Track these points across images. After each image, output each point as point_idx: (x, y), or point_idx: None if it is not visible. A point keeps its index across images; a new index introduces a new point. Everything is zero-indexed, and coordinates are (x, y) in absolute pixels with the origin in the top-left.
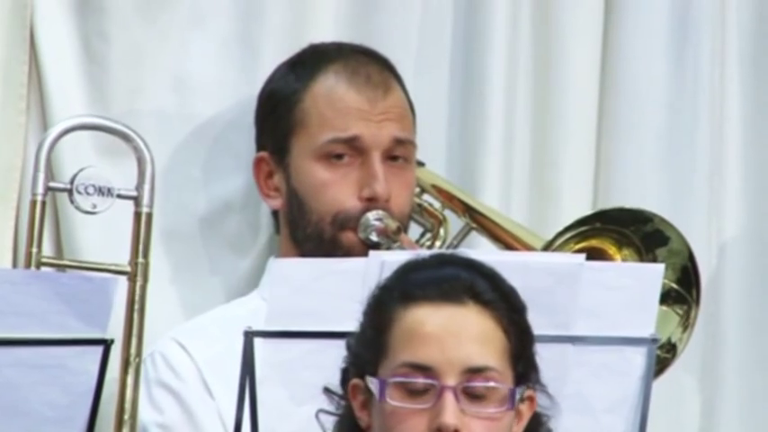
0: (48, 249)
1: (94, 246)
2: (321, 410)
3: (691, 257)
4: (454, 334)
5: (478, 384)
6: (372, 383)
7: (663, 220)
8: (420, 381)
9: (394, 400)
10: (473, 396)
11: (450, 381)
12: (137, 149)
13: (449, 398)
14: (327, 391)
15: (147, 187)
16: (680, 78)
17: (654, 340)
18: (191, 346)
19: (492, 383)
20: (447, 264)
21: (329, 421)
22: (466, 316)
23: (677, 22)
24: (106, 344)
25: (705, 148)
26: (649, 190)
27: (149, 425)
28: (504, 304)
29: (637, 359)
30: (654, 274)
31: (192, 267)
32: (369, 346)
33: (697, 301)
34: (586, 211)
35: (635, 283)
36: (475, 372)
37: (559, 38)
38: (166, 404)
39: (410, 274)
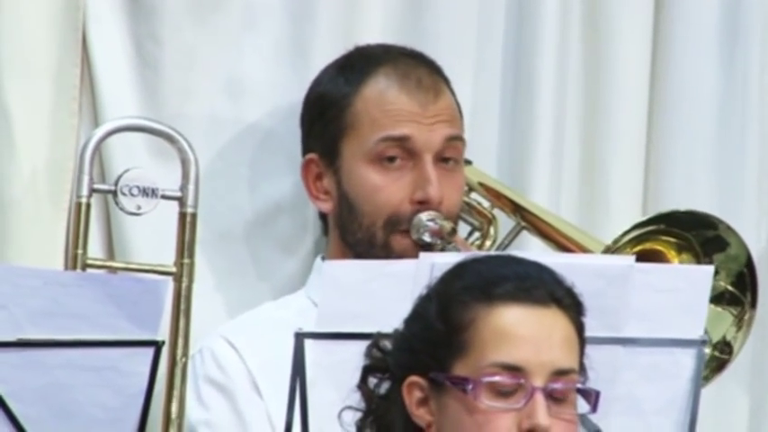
0: (98, 251)
1: (145, 247)
2: (348, 407)
3: (749, 263)
4: (546, 337)
5: (567, 386)
6: (456, 382)
7: (727, 227)
8: (514, 382)
9: (487, 400)
10: (556, 398)
11: (539, 382)
12: (181, 150)
13: (541, 399)
14: (362, 388)
15: (191, 188)
16: (729, 80)
17: (703, 342)
18: (240, 345)
19: (577, 385)
20: (517, 263)
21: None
22: (554, 319)
23: (727, 23)
24: (157, 345)
25: (754, 151)
26: (699, 192)
27: (196, 423)
28: (577, 308)
29: (686, 361)
30: (703, 277)
31: (242, 269)
32: (438, 344)
33: (753, 303)
34: (636, 212)
35: (685, 286)
36: (561, 374)
37: (609, 40)
38: (214, 401)
39: (484, 273)
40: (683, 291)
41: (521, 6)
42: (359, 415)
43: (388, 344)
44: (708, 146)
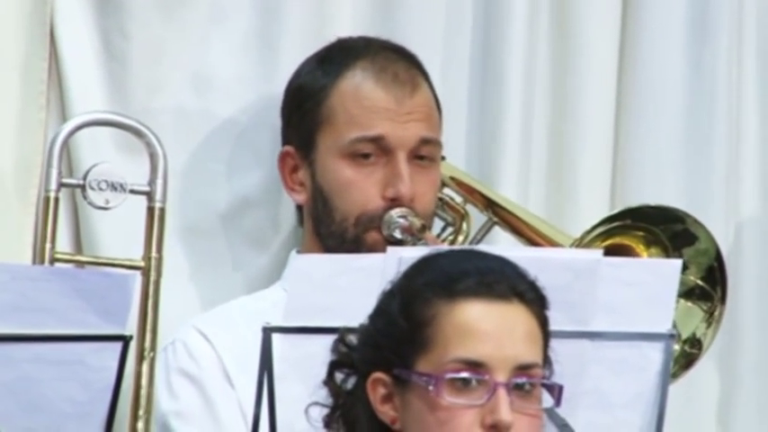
0: (67, 245)
1: (113, 241)
2: (314, 403)
3: (718, 257)
4: (508, 332)
5: (530, 380)
6: (419, 378)
7: (695, 221)
8: (477, 377)
9: (449, 396)
10: (520, 393)
11: (501, 377)
12: (149, 145)
13: (503, 395)
14: (329, 384)
15: (159, 182)
16: (697, 77)
17: (671, 336)
18: (212, 335)
19: (540, 380)
20: (479, 258)
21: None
22: (516, 314)
23: (694, 21)
24: (125, 340)
25: (722, 148)
26: (666, 187)
27: (166, 413)
28: (540, 302)
29: (654, 355)
30: (672, 270)
31: (213, 263)
32: (401, 340)
33: (722, 299)
34: (603, 207)
35: (653, 279)
36: (524, 369)
37: (577, 33)
38: (184, 391)
39: (446, 269)
40: (651, 284)
41: (489, 2)
42: (326, 411)
43: (353, 339)
44: (676, 143)
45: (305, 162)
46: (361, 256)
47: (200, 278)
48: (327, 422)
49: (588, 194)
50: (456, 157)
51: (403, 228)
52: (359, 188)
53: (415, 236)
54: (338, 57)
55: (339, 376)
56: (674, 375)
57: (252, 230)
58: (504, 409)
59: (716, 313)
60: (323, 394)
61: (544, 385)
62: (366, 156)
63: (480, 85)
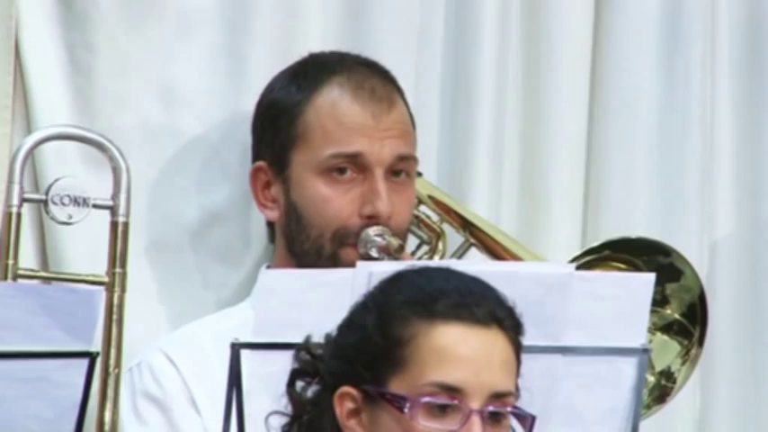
0: (33, 261)
1: (80, 257)
2: (275, 412)
3: (701, 297)
4: (486, 358)
5: (504, 409)
6: (393, 400)
7: (680, 256)
8: (451, 403)
9: (423, 420)
10: (493, 421)
11: (476, 404)
12: (112, 159)
13: (477, 422)
14: (290, 392)
15: (123, 196)
16: (670, 86)
17: (645, 350)
18: (178, 359)
19: (514, 410)
20: (458, 278)
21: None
22: (494, 341)
23: (667, 29)
24: (92, 356)
25: (696, 156)
26: (640, 198)
27: None
28: (516, 329)
29: (627, 370)
30: (645, 285)
31: (182, 279)
32: (375, 357)
33: (700, 341)
34: (576, 221)
35: (626, 294)
36: (498, 397)
37: (549, 46)
38: (151, 417)
39: (425, 287)
40: (623, 299)
41: (459, 16)
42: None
43: (317, 347)
44: (649, 152)
45: (278, 178)
46: (331, 270)
47: (170, 294)
48: (287, 430)
49: (561, 207)
50: (427, 169)
51: (380, 247)
52: (335, 204)
53: (392, 256)
54: (312, 72)
55: (300, 385)
56: (648, 407)
57: (221, 246)
58: None
59: (692, 353)
60: (284, 403)
61: (517, 415)
62: (342, 171)
63: (451, 99)
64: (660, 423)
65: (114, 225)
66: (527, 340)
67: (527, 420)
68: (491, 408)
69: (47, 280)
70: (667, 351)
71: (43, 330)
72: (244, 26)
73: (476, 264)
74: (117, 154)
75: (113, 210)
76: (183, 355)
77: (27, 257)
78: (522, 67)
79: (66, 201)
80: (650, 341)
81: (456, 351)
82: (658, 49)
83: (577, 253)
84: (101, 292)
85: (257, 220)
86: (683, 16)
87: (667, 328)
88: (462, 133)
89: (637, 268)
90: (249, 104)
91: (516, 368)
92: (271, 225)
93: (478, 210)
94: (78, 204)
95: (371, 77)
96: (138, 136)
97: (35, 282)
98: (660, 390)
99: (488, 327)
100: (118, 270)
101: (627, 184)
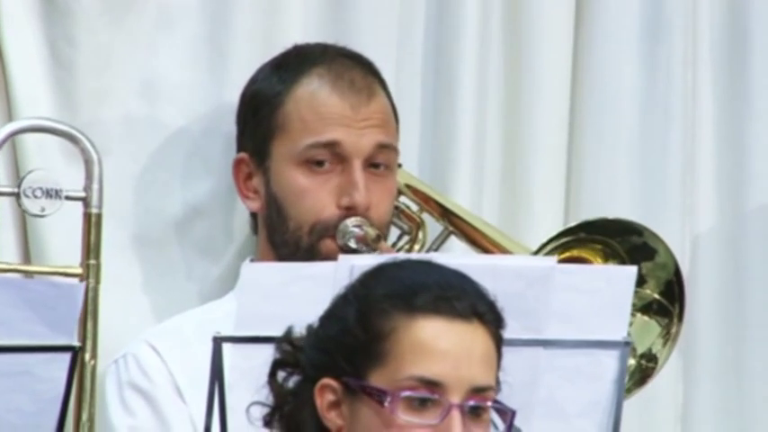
0: (14, 253)
1: (62, 249)
2: (256, 403)
3: (677, 273)
4: (466, 352)
5: (484, 404)
6: (373, 393)
7: (653, 234)
8: (431, 397)
9: (403, 414)
10: (473, 415)
11: (456, 398)
12: (84, 150)
13: (457, 416)
14: (271, 383)
15: (95, 188)
16: (652, 80)
17: (626, 343)
18: (163, 349)
19: (494, 404)
20: (438, 272)
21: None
22: (474, 335)
23: (649, 24)
24: (74, 350)
25: (678, 150)
26: (622, 192)
27: (121, 427)
28: (497, 323)
29: (609, 362)
30: (626, 278)
31: (165, 272)
32: (355, 350)
33: (680, 317)
34: (558, 213)
35: (607, 287)
36: (478, 391)
37: (530, 39)
38: (138, 407)
39: (405, 281)
40: (605, 292)
41: (441, 8)
42: (267, 409)
43: (299, 338)
44: (631, 146)
45: (259, 169)
46: (313, 264)
47: (153, 288)
48: (268, 421)
49: (542, 200)
50: (409, 162)
51: (358, 237)
52: (313, 196)
53: (369, 246)
54: (294, 63)
55: (281, 375)
56: (628, 391)
57: (204, 239)
58: (458, 430)
59: (673, 331)
60: (266, 393)
61: (497, 410)
62: (320, 163)
63: (433, 91)
64: (643, 417)
65: (87, 216)
66: (509, 333)
67: (507, 415)
68: (471, 402)
69: (18, 273)
70: (648, 332)
71: (25, 324)
72: (225, 19)
73: (457, 257)
74: (89, 145)
75: (86, 201)
76: (168, 347)
77: (9, 250)
78: (503, 60)
79: (38, 193)
80: (631, 323)
81: (436, 345)
82: (639, 44)
83: (553, 234)
84: (81, 286)
85: (240, 214)
86: (664, 11)
87: (647, 308)
88: (444, 128)
89: (611, 249)
90: (231, 97)
91: (497, 362)
92: (254, 217)
93: (460, 204)
94: (51, 197)
95: (352, 69)
96: (120, 129)
97: (17, 276)
98: (641, 372)
99: (469, 321)
100: (92, 261)
101: (608, 179)
